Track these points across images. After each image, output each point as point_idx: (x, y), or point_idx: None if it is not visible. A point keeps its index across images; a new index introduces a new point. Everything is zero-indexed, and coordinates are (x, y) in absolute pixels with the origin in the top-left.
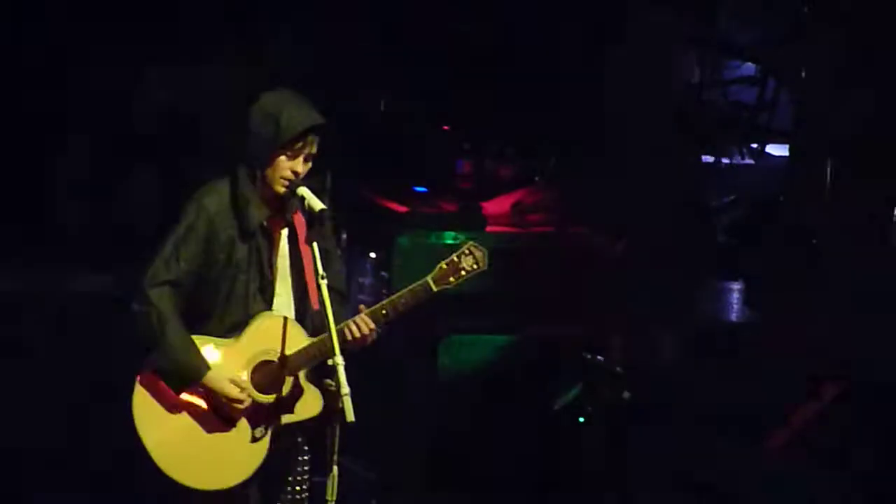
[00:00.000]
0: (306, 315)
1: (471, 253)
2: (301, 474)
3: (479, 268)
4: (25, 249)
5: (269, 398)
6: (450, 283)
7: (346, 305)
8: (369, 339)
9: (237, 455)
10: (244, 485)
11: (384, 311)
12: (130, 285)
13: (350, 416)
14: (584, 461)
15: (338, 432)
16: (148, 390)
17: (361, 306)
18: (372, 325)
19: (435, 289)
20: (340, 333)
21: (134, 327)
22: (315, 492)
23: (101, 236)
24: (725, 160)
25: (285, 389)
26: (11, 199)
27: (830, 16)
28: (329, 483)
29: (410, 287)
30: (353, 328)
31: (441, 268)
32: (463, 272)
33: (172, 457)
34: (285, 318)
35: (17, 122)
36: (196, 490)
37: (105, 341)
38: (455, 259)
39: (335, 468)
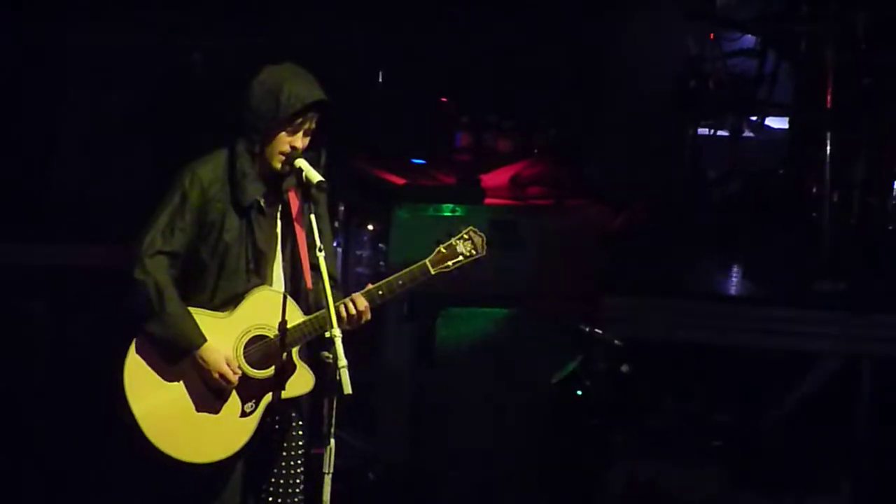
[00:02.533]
0: (299, 294)
1: (470, 238)
2: (296, 449)
3: (477, 254)
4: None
5: (260, 373)
6: (448, 267)
7: (339, 289)
8: (364, 319)
9: (226, 429)
10: (232, 459)
11: (380, 292)
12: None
13: (347, 388)
14: (583, 434)
15: (335, 405)
16: (142, 357)
17: (370, 284)
18: (366, 305)
19: (433, 272)
20: (336, 311)
21: (131, 296)
22: (312, 465)
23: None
24: (724, 133)
25: (277, 365)
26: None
27: None
28: (326, 456)
29: (408, 269)
30: (350, 306)
31: (440, 251)
32: (461, 257)
33: (160, 427)
34: (283, 294)
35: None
36: (182, 462)
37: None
38: (454, 243)
39: (332, 441)
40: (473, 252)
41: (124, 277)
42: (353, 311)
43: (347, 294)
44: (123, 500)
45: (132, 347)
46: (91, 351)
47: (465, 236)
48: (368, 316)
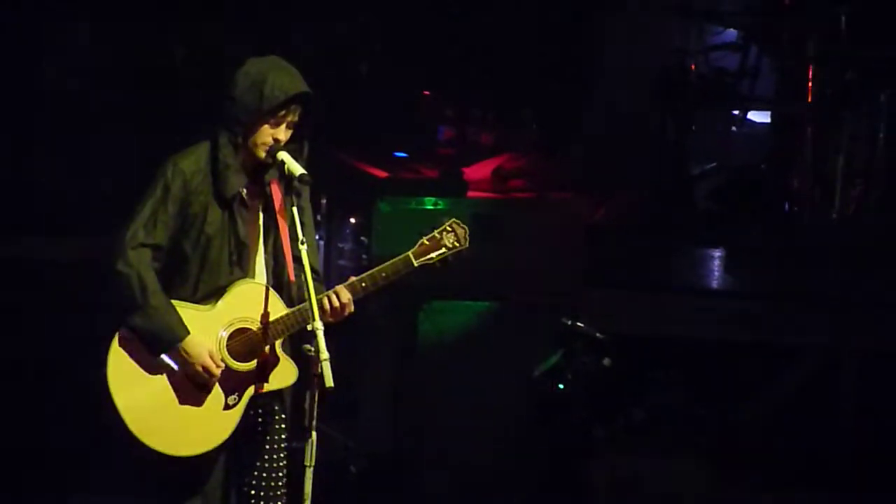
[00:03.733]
0: (282, 287)
1: (453, 230)
2: (278, 442)
3: (460, 246)
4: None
5: (243, 366)
6: (431, 258)
7: (321, 282)
8: (346, 311)
9: (209, 422)
10: (215, 452)
11: (363, 284)
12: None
13: (329, 381)
14: (565, 428)
15: (317, 398)
16: (125, 350)
17: (352, 277)
18: (349, 297)
19: (416, 263)
20: (318, 304)
21: (113, 289)
22: (293, 458)
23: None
24: (707, 127)
25: (260, 358)
26: None
27: None
28: (307, 448)
29: (391, 261)
30: (333, 298)
31: (423, 243)
32: (444, 249)
33: (143, 420)
34: (266, 286)
35: None
36: (165, 454)
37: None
38: (437, 235)
39: (314, 434)
40: (456, 244)
41: (106, 270)
42: (336, 304)
43: (330, 287)
44: (108, 494)
45: (115, 340)
46: (74, 344)
47: (448, 228)
48: (351, 308)
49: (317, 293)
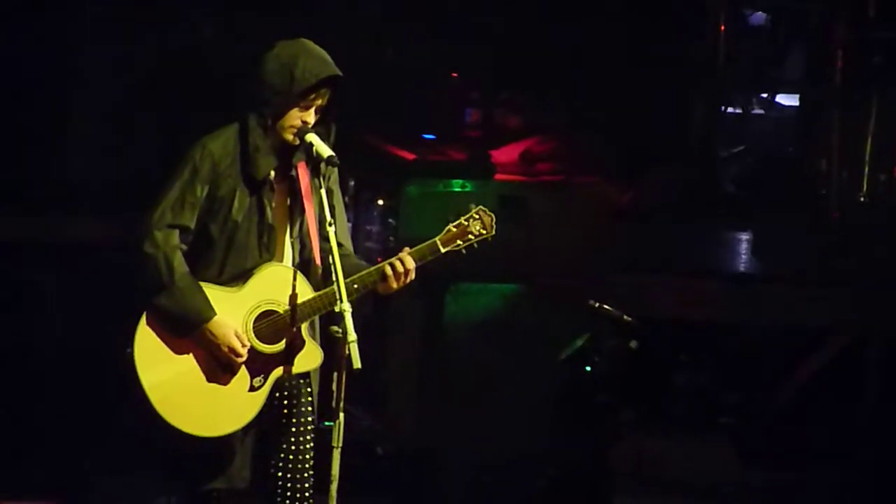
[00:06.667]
0: (309, 270)
1: (479, 218)
2: (305, 423)
3: (486, 233)
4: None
5: (269, 348)
6: (458, 245)
7: (350, 258)
8: (409, 278)
9: (234, 403)
10: (240, 433)
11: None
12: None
13: (357, 362)
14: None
15: (344, 379)
16: (152, 330)
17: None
18: (413, 264)
19: (443, 250)
20: (386, 268)
21: (140, 269)
22: (321, 439)
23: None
24: (735, 110)
25: (286, 341)
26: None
27: None
28: (335, 429)
29: (417, 247)
30: (398, 264)
31: (450, 230)
32: (471, 236)
33: (168, 400)
34: (293, 269)
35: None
36: (189, 434)
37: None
38: (464, 222)
39: (341, 415)
40: (483, 231)
41: (133, 251)
42: (401, 269)
43: (362, 263)
44: (130, 473)
45: (142, 320)
46: (101, 325)
47: (475, 216)
48: (413, 276)
49: (352, 270)
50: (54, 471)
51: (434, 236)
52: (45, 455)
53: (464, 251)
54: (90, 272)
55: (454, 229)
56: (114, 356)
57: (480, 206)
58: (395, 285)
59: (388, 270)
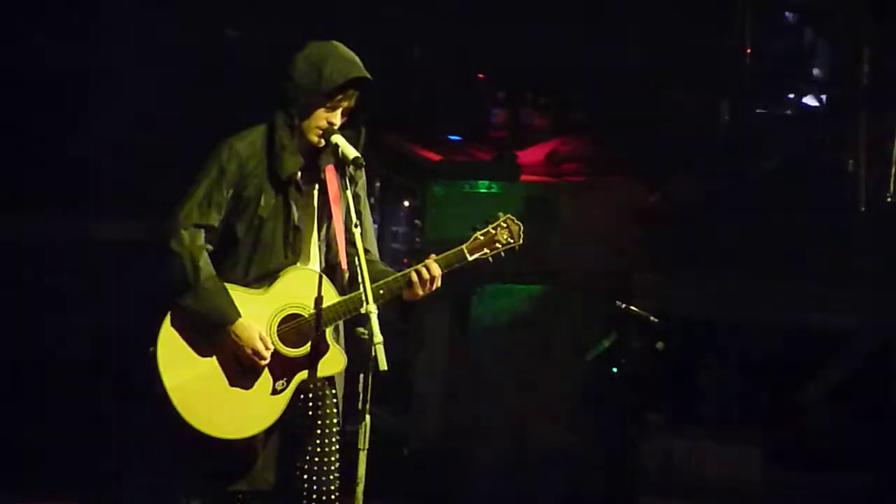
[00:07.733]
0: (335, 273)
1: (507, 226)
2: (331, 426)
3: (513, 242)
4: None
5: (293, 352)
6: (485, 254)
7: (376, 263)
8: (435, 285)
9: (256, 406)
10: (262, 435)
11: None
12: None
13: (383, 364)
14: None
15: (370, 381)
16: (176, 330)
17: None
18: (439, 271)
19: (469, 258)
20: (412, 275)
21: (166, 268)
22: (347, 441)
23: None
24: (761, 110)
25: (310, 344)
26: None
27: None
28: (361, 432)
29: (444, 254)
30: (424, 271)
31: (477, 238)
32: (498, 244)
33: (190, 401)
34: (319, 273)
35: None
36: (210, 436)
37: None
38: (491, 231)
39: (368, 417)
40: (510, 241)
41: (160, 250)
42: (427, 276)
43: (388, 257)
44: (152, 475)
45: (167, 320)
46: (125, 324)
47: (503, 224)
48: (439, 283)
49: (378, 276)
50: (77, 472)
51: (460, 237)
52: (67, 456)
53: (490, 259)
54: (113, 272)
55: (481, 238)
56: (137, 357)
57: (509, 215)
58: (420, 292)
59: (414, 277)
